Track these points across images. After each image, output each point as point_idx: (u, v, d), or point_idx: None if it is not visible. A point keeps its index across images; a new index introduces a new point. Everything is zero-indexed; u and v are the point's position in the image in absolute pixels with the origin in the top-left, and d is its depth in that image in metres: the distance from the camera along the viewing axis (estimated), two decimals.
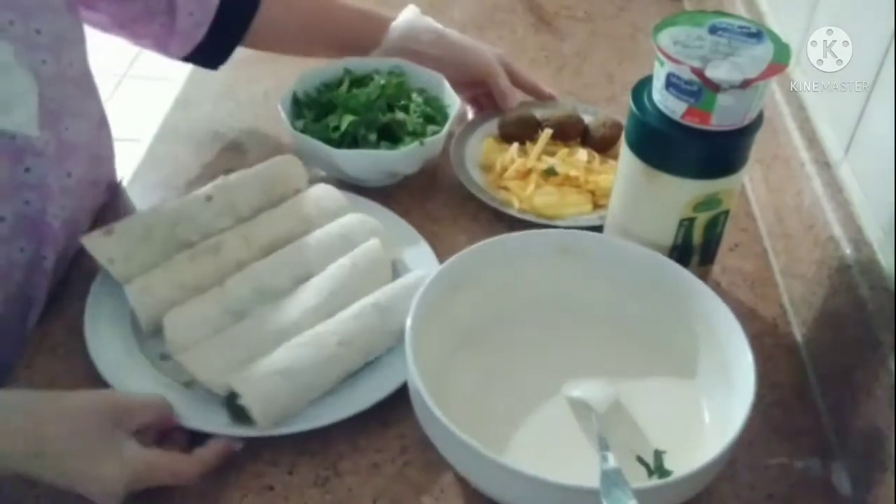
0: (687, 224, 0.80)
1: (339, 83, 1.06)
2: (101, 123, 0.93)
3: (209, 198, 0.87)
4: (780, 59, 0.74)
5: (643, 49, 1.32)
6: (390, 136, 1.00)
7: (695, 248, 0.83)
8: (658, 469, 0.70)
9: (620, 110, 1.10)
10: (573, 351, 0.80)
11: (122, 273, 0.81)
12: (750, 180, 1.07)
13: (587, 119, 1.08)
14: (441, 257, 0.87)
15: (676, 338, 0.79)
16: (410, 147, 0.98)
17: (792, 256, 0.92)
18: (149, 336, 0.80)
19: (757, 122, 0.76)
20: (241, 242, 0.84)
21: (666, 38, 0.74)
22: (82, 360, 0.79)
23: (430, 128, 1.01)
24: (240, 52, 1.31)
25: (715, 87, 0.71)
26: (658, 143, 0.78)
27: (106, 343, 0.79)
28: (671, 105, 0.74)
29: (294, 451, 0.75)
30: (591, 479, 0.63)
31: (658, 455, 0.71)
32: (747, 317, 0.89)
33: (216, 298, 0.80)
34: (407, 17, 1.09)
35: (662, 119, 0.76)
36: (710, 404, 0.75)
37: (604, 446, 0.68)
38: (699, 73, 0.71)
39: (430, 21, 1.10)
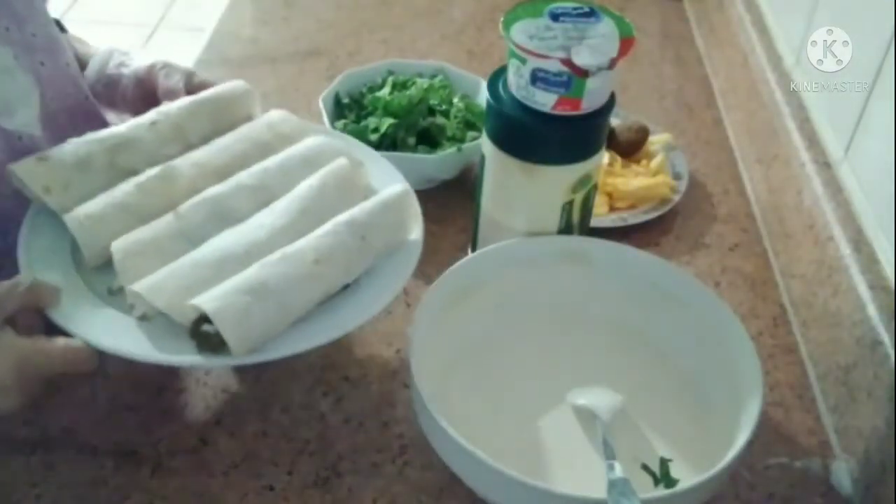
0: (568, 207, 0.81)
1: (382, 85, 1.06)
2: (100, 119, 0.94)
3: (153, 123, 0.79)
4: (626, 33, 0.76)
5: (644, 49, 1.32)
6: (430, 140, 1.00)
7: (575, 227, 0.84)
8: (664, 477, 0.70)
9: (621, 111, 1.10)
10: (578, 358, 0.80)
11: (60, 203, 0.73)
12: (750, 180, 1.08)
13: (614, 122, 1.07)
14: None
15: (681, 343, 0.79)
16: (448, 152, 0.97)
17: (792, 256, 0.92)
18: (94, 271, 0.72)
19: (613, 96, 0.79)
20: (194, 168, 0.77)
21: (519, 34, 0.75)
22: None
23: (470, 133, 1.01)
24: (238, 54, 1.32)
25: (584, 73, 0.73)
26: (533, 139, 0.78)
27: (45, 279, 0.70)
28: (540, 99, 0.75)
29: (294, 451, 0.75)
30: (597, 489, 0.63)
31: (664, 463, 0.71)
32: (747, 317, 0.89)
33: (169, 224, 0.72)
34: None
35: (532, 114, 0.76)
36: (716, 411, 0.74)
37: (610, 455, 0.68)
38: (568, 62, 0.72)
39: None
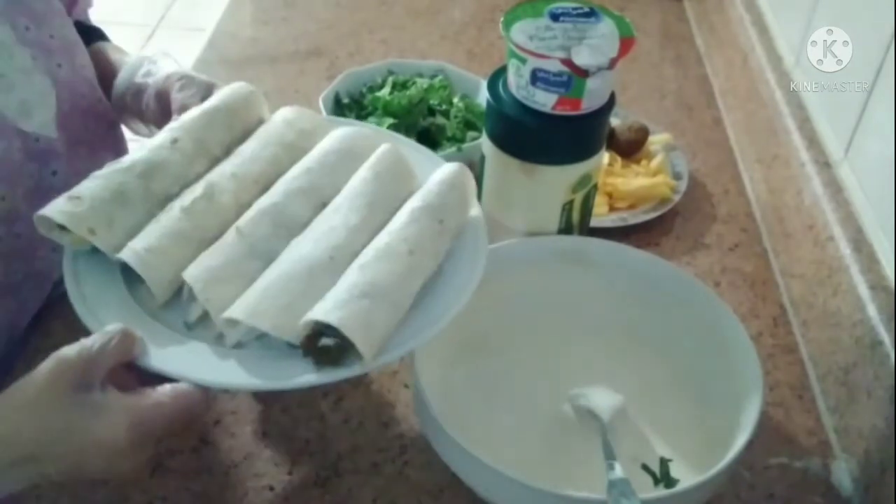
0: (568, 207, 0.82)
1: (382, 85, 1.06)
2: (113, 122, 0.94)
3: (175, 141, 0.74)
4: (626, 33, 0.76)
5: (644, 49, 1.32)
6: (430, 140, 1.00)
7: (574, 227, 0.84)
8: (664, 477, 0.70)
9: (621, 111, 1.10)
10: (578, 358, 0.80)
11: (108, 242, 0.68)
12: (750, 180, 1.07)
13: (614, 122, 1.07)
14: None
15: (681, 343, 0.78)
16: (448, 152, 0.98)
17: (792, 256, 0.92)
18: (162, 308, 0.68)
19: (613, 96, 0.79)
20: (233, 182, 0.73)
21: (519, 34, 0.75)
22: None
23: (470, 133, 1.02)
24: (238, 54, 1.32)
25: (584, 73, 0.73)
26: (533, 138, 0.78)
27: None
28: (540, 99, 0.76)
29: (294, 451, 0.75)
30: (597, 489, 0.63)
31: (664, 463, 0.71)
32: (747, 317, 0.89)
33: (235, 244, 0.68)
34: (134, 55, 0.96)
35: (532, 114, 0.77)
36: (716, 411, 0.74)
37: (610, 455, 0.68)
38: (569, 62, 0.72)
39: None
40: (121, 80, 0.90)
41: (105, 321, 0.64)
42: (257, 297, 0.64)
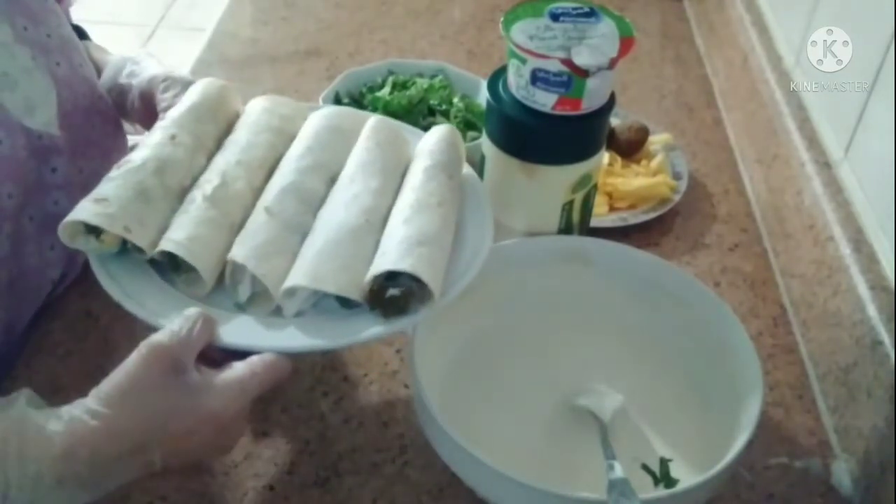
0: (568, 207, 0.82)
1: (382, 85, 1.06)
2: (114, 120, 0.94)
3: (173, 137, 0.76)
4: (626, 33, 0.76)
5: (644, 49, 1.32)
6: None
7: (574, 227, 0.84)
8: (664, 477, 0.70)
9: (621, 111, 1.10)
10: (578, 358, 0.80)
11: (145, 239, 0.70)
12: (750, 180, 1.08)
13: (613, 122, 1.07)
14: None
15: (681, 343, 0.78)
16: None
17: (792, 256, 0.92)
18: (210, 294, 0.70)
19: (613, 96, 0.79)
20: (240, 168, 0.76)
21: (519, 34, 0.75)
22: (80, 360, 0.79)
23: (470, 133, 1.02)
24: (238, 54, 1.32)
25: (584, 73, 0.73)
26: (534, 138, 0.78)
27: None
28: (540, 99, 0.76)
29: (294, 451, 0.75)
30: (597, 489, 0.63)
31: (664, 463, 0.71)
32: (747, 317, 0.89)
33: (268, 222, 0.72)
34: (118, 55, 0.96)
35: (532, 114, 0.77)
36: (716, 411, 0.74)
37: (610, 455, 0.68)
38: (569, 62, 0.72)
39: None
40: (104, 80, 0.92)
41: (163, 314, 0.66)
42: (313, 264, 0.68)
